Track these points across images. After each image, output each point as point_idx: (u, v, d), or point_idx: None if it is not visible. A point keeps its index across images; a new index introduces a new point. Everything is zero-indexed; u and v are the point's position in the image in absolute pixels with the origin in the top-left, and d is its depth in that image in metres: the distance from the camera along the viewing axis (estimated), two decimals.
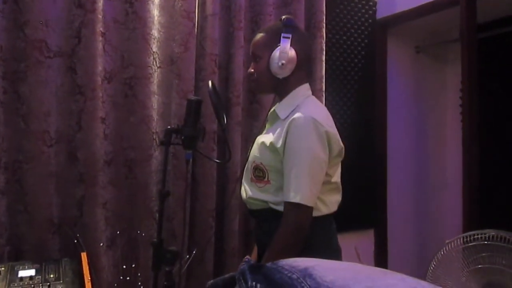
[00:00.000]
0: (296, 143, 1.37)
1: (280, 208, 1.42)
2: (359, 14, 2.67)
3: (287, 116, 1.43)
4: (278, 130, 1.44)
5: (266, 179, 1.45)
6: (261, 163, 1.46)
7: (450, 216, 2.91)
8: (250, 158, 1.53)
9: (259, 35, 1.52)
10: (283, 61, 1.42)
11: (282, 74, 1.45)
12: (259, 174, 1.47)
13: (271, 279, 0.48)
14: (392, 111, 2.83)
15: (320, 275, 0.45)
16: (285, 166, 1.39)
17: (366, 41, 2.69)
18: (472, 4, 2.25)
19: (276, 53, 1.43)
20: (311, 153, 1.38)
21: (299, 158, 1.38)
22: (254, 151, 1.51)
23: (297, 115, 1.38)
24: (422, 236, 3.00)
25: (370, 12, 2.71)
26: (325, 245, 1.49)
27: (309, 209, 1.38)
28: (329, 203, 1.48)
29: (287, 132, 1.38)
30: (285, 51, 1.42)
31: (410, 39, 2.95)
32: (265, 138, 1.48)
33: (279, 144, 1.40)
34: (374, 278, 0.45)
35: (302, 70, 1.51)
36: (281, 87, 1.49)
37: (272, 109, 1.57)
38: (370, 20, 2.71)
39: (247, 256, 0.53)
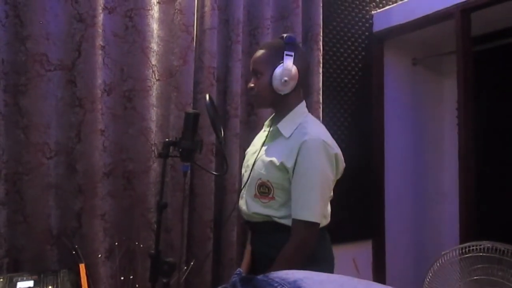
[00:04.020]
0: (308, 164, 1.42)
1: (285, 221, 1.46)
2: (356, 27, 2.71)
3: (292, 135, 1.48)
4: (286, 150, 1.46)
5: (271, 195, 1.48)
6: (268, 181, 1.48)
7: (448, 227, 2.92)
8: (254, 174, 1.53)
9: (260, 52, 1.53)
10: (286, 78, 1.45)
11: (283, 90, 1.48)
12: (264, 191, 1.50)
13: None
14: (389, 122, 2.85)
15: (308, 287, 0.47)
16: (295, 185, 1.44)
17: (363, 53, 2.72)
18: (466, 17, 2.28)
19: (279, 70, 1.46)
20: (322, 173, 1.44)
21: (311, 178, 1.42)
22: (259, 168, 1.52)
23: (308, 137, 1.43)
24: (420, 246, 3.00)
25: (367, 25, 2.75)
26: (323, 255, 1.54)
27: (317, 225, 1.44)
28: (327, 215, 1.54)
29: (298, 153, 1.42)
30: (288, 69, 1.45)
31: (407, 52, 2.98)
32: (271, 157, 1.49)
33: (289, 164, 1.44)
34: None
35: (301, 88, 1.56)
36: (281, 103, 1.53)
37: (269, 122, 1.61)
38: (366, 33, 2.74)
39: (239, 269, 0.55)
